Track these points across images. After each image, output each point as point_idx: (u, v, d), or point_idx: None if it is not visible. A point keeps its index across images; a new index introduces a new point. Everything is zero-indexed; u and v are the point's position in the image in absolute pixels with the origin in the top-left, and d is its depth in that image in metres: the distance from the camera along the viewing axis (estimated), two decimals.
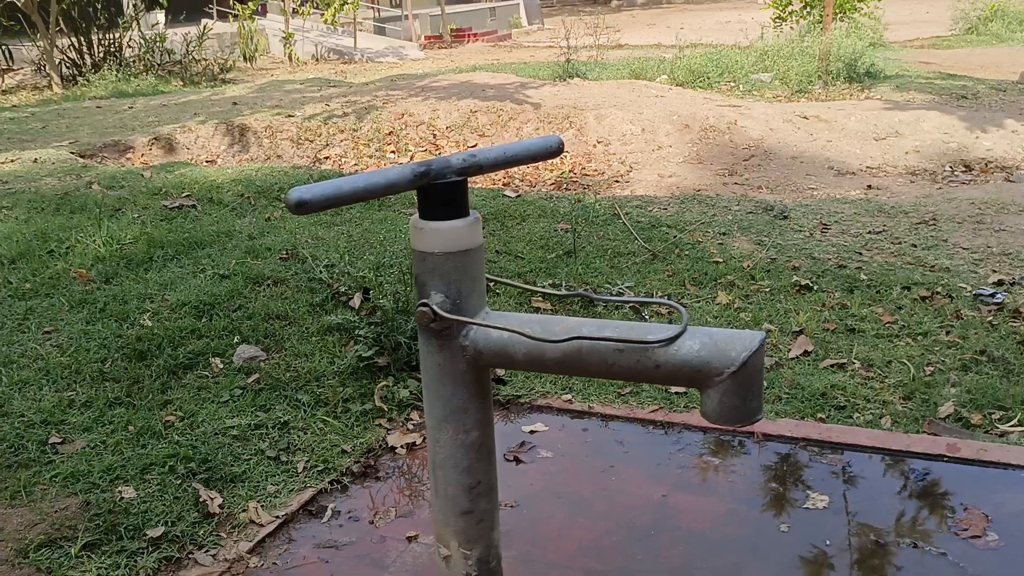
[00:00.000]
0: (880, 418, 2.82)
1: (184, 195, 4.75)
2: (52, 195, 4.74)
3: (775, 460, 2.55)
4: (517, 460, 2.62)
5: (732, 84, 11.44)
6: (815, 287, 3.84)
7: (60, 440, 2.57)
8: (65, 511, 2.27)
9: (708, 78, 11.54)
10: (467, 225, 1.59)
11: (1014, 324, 3.47)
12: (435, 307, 1.58)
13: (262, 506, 2.39)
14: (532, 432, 2.78)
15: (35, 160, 5.80)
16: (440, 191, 1.58)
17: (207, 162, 7.07)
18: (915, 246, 4.32)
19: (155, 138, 7.11)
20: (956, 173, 6.44)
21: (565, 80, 10.69)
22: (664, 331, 1.51)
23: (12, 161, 5.77)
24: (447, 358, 1.64)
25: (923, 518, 2.26)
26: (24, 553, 2.13)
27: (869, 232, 4.54)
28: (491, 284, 3.68)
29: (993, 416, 2.81)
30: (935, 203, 5.07)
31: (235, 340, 3.17)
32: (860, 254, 4.23)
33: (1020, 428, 2.75)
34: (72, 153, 6.34)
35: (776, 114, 7.63)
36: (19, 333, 3.18)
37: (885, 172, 6.60)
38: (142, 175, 5.23)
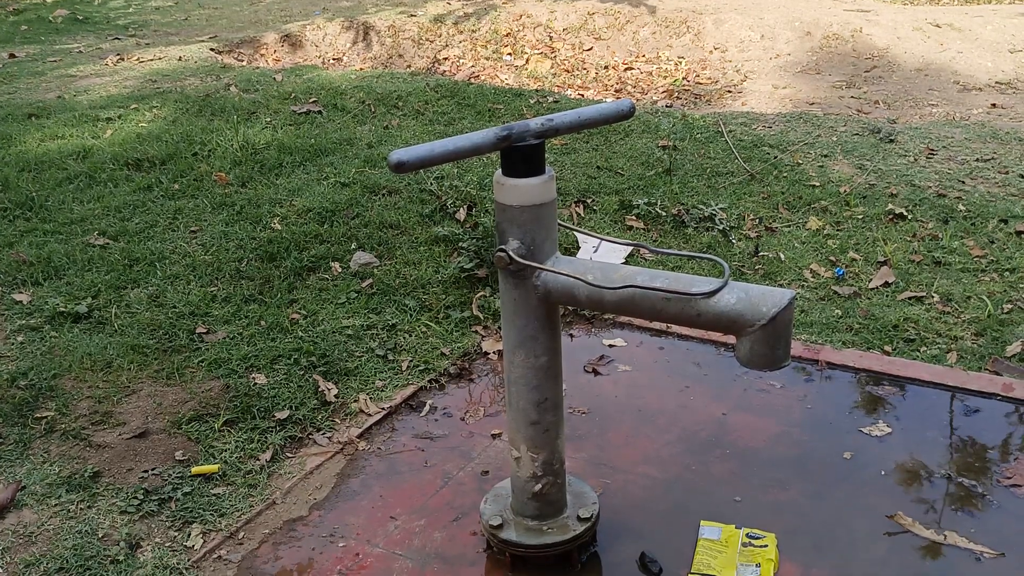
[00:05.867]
0: (947, 353, 2.95)
1: (311, 100, 5.10)
2: (195, 96, 5.17)
3: (833, 388, 2.76)
4: (596, 372, 2.90)
5: None
6: (909, 216, 3.90)
7: (205, 330, 3.01)
8: (209, 392, 2.71)
9: None
10: (542, 182, 1.83)
11: None
12: (511, 252, 1.84)
13: (370, 398, 2.77)
14: (611, 346, 3.05)
15: (179, 58, 6.26)
16: (520, 152, 1.82)
17: (334, 59, 7.40)
18: (1023, 176, 4.27)
19: (286, 35, 7.47)
20: None
21: None
22: (707, 284, 1.74)
23: (160, 59, 6.25)
24: (521, 295, 1.91)
25: (964, 455, 2.44)
26: (178, 425, 2.58)
27: (977, 159, 4.49)
28: (588, 200, 3.91)
29: None
30: None
31: (352, 246, 3.53)
32: (963, 183, 4.22)
33: None
34: (212, 50, 6.78)
35: (906, 21, 7.34)
36: (170, 231, 3.63)
37: (1015, 88, 6.33)
38: (274, 78, 5.60)
